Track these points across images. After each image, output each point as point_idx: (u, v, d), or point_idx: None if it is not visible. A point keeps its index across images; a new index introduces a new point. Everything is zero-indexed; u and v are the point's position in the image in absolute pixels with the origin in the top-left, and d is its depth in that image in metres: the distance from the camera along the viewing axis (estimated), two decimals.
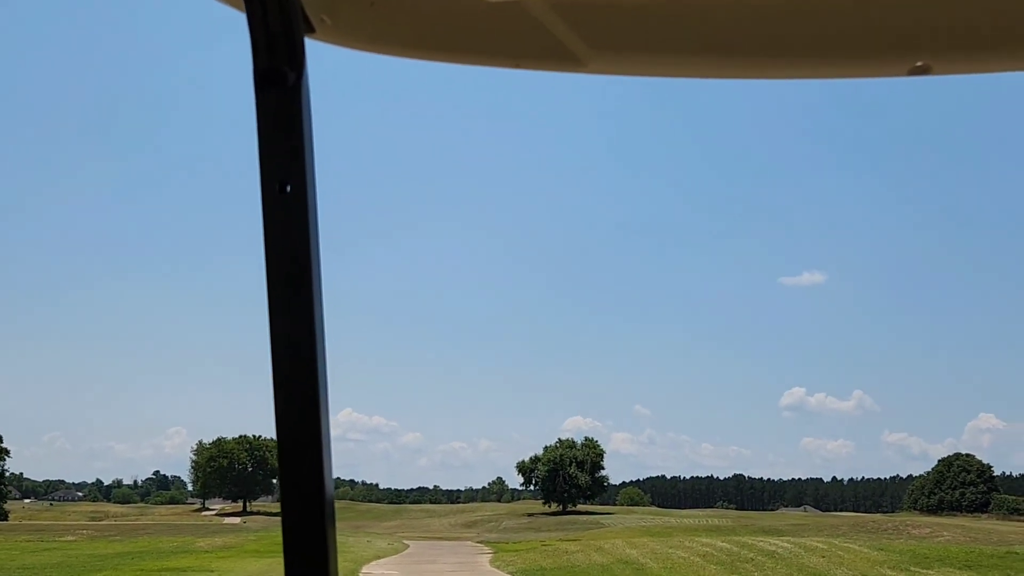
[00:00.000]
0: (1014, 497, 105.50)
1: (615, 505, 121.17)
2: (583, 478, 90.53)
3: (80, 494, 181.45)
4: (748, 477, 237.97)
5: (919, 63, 1.29)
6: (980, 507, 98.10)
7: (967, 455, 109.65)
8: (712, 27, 1.27)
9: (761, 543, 29.90)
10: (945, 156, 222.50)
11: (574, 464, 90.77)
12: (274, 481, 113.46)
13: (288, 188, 1.06)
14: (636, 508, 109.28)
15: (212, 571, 24.79)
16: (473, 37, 1.29)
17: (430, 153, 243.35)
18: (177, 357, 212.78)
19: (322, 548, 1.13)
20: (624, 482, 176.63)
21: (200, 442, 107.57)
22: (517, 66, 1.34)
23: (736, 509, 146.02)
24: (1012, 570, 23.08)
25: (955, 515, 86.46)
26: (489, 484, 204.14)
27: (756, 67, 1.39)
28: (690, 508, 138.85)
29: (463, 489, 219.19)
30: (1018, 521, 77.90)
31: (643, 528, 51.71)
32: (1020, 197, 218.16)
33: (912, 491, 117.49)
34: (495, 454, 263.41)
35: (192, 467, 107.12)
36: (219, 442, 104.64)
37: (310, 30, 1.16)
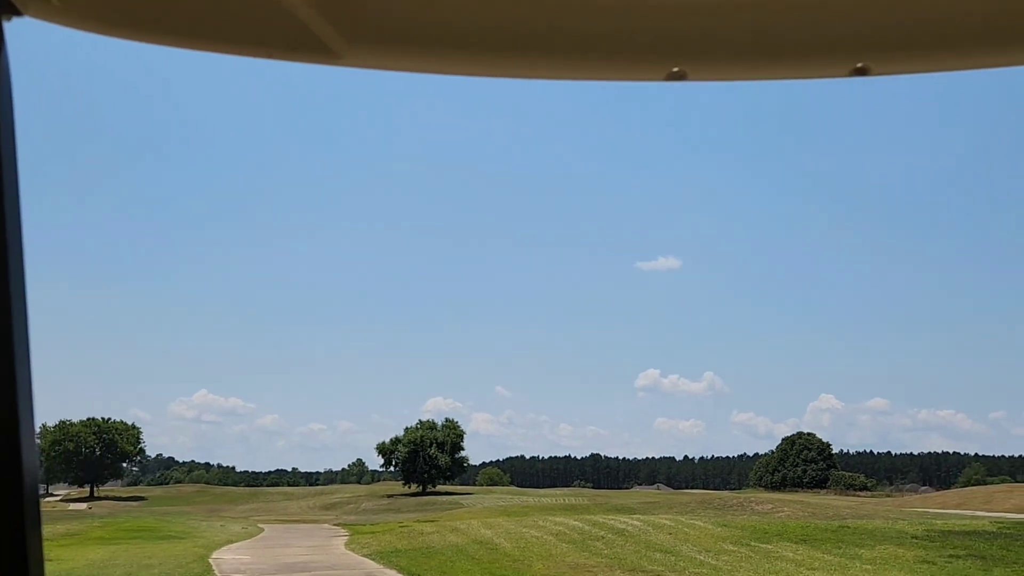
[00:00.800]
0: (851, 473, 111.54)
1: (475, 485, 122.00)
2: (443, 459, 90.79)
3: None
4: (604, 456, 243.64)
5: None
6: (820, 483, 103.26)
7: (808, 434, 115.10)
8: (497, 20, 1.21)
9: (612, 521, 30.69)
10: (800, 138, 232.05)
11: (434, 445, 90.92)
12: (124, 465, 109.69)
13: None
14: (495, 488, 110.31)
15: (51, 559, 23.73)
16: (218, 23, 1.18)
17: (273, 133, 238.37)
18: None
19: (22, 553, 1.01)
20: (484, 462, 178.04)
21: (44, 425, 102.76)
22: (269, 56, 1.25)
23: (593, 488, 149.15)
24: (843, 542, 24.43)
25: (796, 491, 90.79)
26: (349, 466, 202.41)
27: (552, 67, 1.34)
28: (548, 487, 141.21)
29: (322, 471, 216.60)
30: (853, 496, 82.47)
31: (500, 508, 52.29)
32: (873, 180, 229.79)
33: (757, 469, 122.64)
34: (355, 436, 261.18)
35: None
36: (63, 425, 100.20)
37: (13, 11, 1.07)
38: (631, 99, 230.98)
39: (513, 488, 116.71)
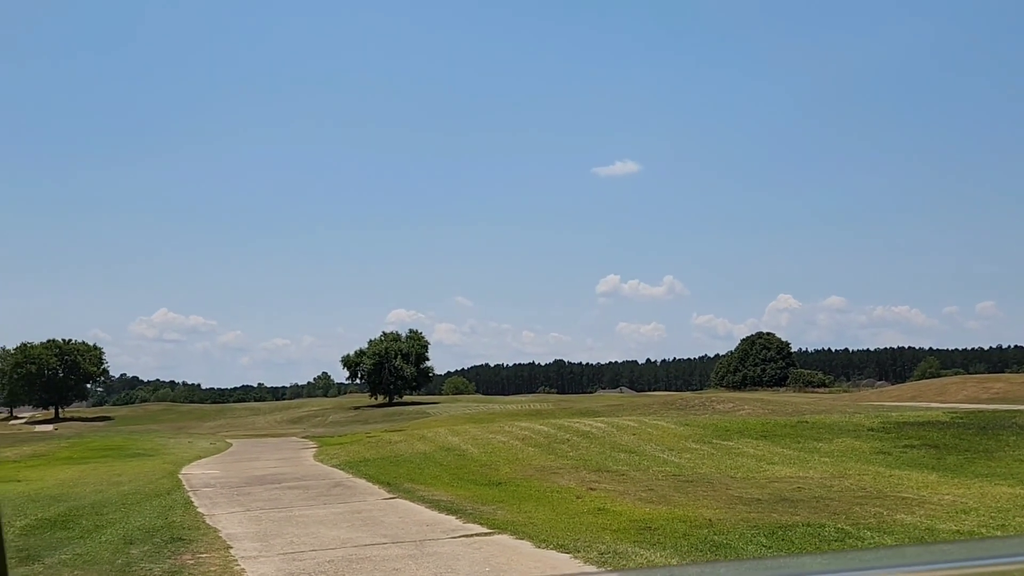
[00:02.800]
0: (809, 371, 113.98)
1: (441, 395, 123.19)
2: (408, 369, 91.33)
3: None
4: (568, 362, 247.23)
5: None
6: (779, 381, 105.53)
7: (768, 333, 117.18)
8: None
9: (577, 424, 31.16)
10: (758, 28, 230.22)
11: (399, 356, 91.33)
12: (88, 386, 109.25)
13: None
14: (461, 397, 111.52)
15: (20, 480, 23.75)
16: None
17: (237, 46, 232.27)
18: None
19: None
20: (449, 372, 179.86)
21: (3, 348, 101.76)
22: None
23: (557, 393, 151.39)
24: (801, 437, 25.05)
25: (757, 390, 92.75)
26: (315, 380, 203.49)
27: None
28: (514, 394, 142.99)
29: (288, 386, 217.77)
30: (812, 393, 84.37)
31: (467, 416, 52.93)
32: (829, 73, 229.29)
33: (718, 369, 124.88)
34: (320, 350, 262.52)
35: None
36: (24, 347, 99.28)
37: None
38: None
39: (479, 396, 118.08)
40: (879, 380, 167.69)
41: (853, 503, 14.32)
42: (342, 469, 23.77)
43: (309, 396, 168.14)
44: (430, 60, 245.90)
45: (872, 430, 25.65)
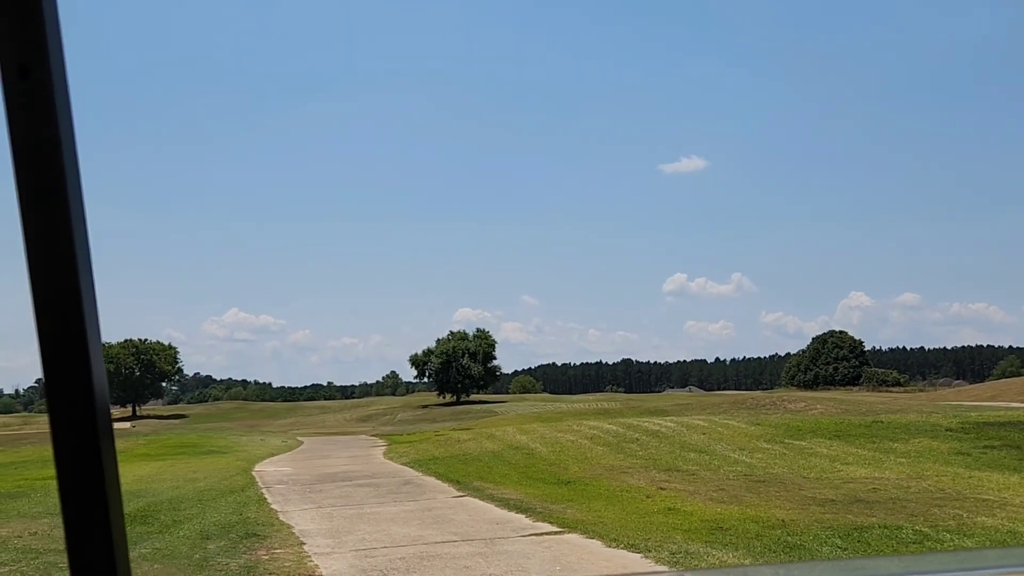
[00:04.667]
0: (883, 370, 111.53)
1: (508, 394, 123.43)
2: (476, 368, 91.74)
3: None
4: (636, 361, 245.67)
5: None
6: (852, 380, 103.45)
7: (840, 332, 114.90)
8: None
9: (646, 423, 30.96)
10: (824, 29, 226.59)
11: (466, 355, 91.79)
12: (163, 384, 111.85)
13: (30, 73, 0.96)
14: (528, 395, 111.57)
15: None
16: None
17: (288, 43, 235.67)
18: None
19: (96, 467, 1.02)
20: (516, 371, 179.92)
21: None
22: None
23: (625, 392, 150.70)
24: (876, 437, 24.53)
25: (829, 389, 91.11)
26: (383, 378, 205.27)
27: None
28: (581, 393, 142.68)
29: (357, 384, 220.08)
30: (886, 392, 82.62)
31: (534, 414, 52.97)
32: (901, 74, 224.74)
33: (789, 368, 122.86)
34: (387, 348, 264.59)
35: None
36: (103, 347, 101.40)
37: None
38: None
39: (546, 395, 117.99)
40: (956, 379, 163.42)
41: (931, 505, 13.99)
42: (411, 467, 23.95)
43: (378, 395, 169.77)
44: (497, 56, 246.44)
45: (950, 430, 25.01)
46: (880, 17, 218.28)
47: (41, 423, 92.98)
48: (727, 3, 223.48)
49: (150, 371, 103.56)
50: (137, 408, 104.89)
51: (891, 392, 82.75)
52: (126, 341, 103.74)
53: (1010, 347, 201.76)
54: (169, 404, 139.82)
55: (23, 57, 0.95)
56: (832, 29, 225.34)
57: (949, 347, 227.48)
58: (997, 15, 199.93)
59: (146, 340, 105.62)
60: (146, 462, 29.84)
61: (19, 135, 0.96)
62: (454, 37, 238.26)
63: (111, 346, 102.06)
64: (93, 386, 1.03)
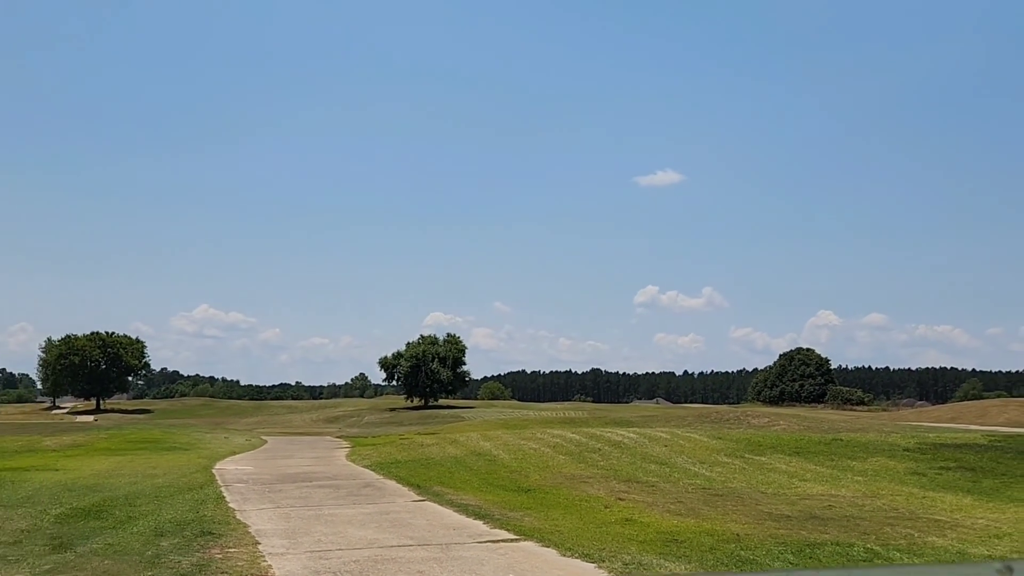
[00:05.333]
0: (848, 388, 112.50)
1: (477, 399, 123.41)
2: (445, 373, 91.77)
3: None
4: (605, 371, 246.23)
5: None
6: (817, 398, 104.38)
7: (807, 349, 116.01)
8: None
9: (610, 434, 31.08)
10: (803, 43, 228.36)
11: (436, 359, 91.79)
12: (129, 378, 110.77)
13: None
14: (496, 402, 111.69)
15: (58, 469, 24.14)
16: None
17: (285, 48, 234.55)
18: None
19: None
20: (486, 377, 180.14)
21: (49, 339, 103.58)
22: None
23: (593, 402, 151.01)
24: (835, 455, 24.78)
25: (794, 405, 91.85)
26: (352, 380, 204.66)
27: None
28: (549, 401, 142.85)
29: (326, 385, 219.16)
30: (850, 410, 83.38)
31: (500, 421, 53.01)
32: (872, 95, 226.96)
33: (755, 383, 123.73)
34: (357, 350, 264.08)
35: (40, 365, 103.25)
36: (69, 339, 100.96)
37: None
38: (628, 6, 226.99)
39: (514, 402, 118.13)
40: (919, 400, 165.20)
41: (884, 523, 14.16)
42: (373, 470, 23.91)
43: (346, 396, 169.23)
44: (472, 64, 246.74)
45: (908, 450, 25.32)
46: (860, 35, 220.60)
47: (2, 413, 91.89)
48: (708, 20, 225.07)
49: (116, 364, 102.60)
50: (101, 402, 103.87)
51: (855, 411, 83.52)
52: (93, 334, 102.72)
53: (973, 370, 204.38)
54: (134, 399, 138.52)
55: None
56: (807, 48, 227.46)
57: (914, 368, 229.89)
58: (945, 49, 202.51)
59: (113, 333, 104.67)
60: (106, 456, 29.57)
61: None
62: (433, 43, 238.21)
63: (77, 338, 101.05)
64: None
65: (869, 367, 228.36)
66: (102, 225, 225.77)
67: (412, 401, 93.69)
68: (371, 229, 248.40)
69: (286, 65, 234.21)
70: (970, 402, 78.70)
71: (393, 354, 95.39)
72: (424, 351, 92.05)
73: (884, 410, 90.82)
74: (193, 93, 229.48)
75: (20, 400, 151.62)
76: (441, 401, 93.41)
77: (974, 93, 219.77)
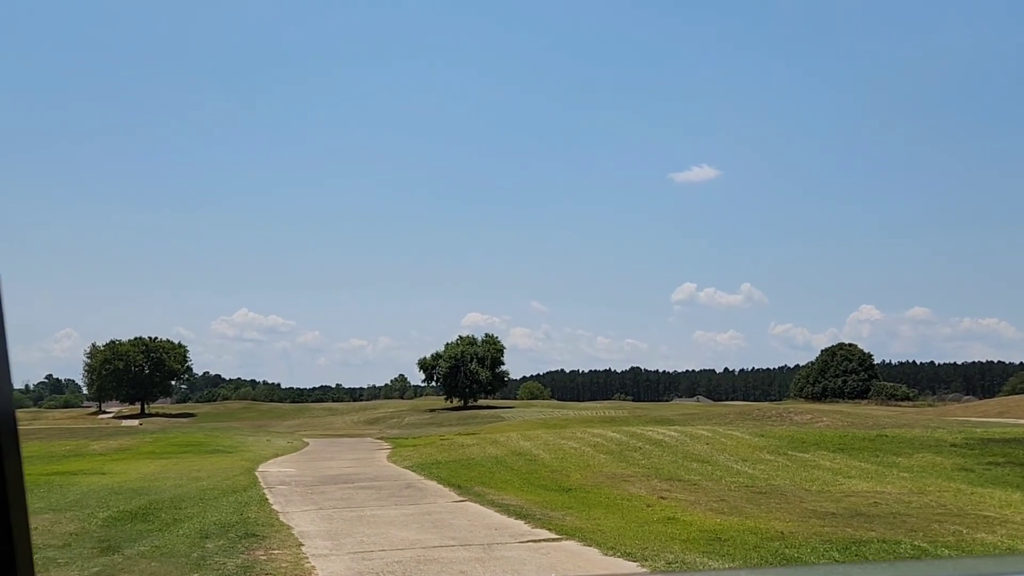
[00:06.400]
0: (892, 384, 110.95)
1: (516, 399, 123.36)
2: (484, 373, 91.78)
3: None
4: (644, 370, 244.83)
5: None
6: (861, 394, 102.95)
7: (850, 344, 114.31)
8: None
9: (650, 432, 30.94)
10: (841, 35, 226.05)
11: (475, 360, 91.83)
12: (172, 382, 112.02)
13: None
14: (536, 402, 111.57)
15: (105, 473, 24.49)
16: None
17: (302, 55, 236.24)
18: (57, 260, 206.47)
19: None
20: (524, 377, 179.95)
21: (94, 344, 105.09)
22: None
23: (633, 401, 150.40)
24: (880, 451, 24.47)
25: (837, 402, 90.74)
26: (392, 381, 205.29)
27: None
28: (589, 401, 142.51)
29: (366, 387, 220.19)
30: (894, 406, 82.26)
31: (540, 421, 52.95)
32: (913, 80, 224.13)
33: (797, 380, 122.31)
34: (396, 351, 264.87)
35: (86, 370, 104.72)
36: (113, 344, 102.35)
37: None
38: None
39: (553, 402, 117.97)
40: (966, 395, 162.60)
41: (931, 520, 13.95)
42: (414, 471, 23.99)
43: (386, 398, 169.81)
44: (505, 60, 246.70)
45: (955, 446, 24.94)
46: (899, 27, 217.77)
47: (50, 418, 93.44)
48: (743, 11, 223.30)
49: (159, 369, 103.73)
50: (146, 406, 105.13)
51: (899, 406, 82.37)
52: (136, 339, 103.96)
53: (1021, 363, 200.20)
54: (178, 403, 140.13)
55: None
56: (848, 40, 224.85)
57: (959, 362, 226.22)
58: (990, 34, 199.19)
59: (156, 338, 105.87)
60: (151, 460, 29.96)
61: None
62: (468, 40, 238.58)
63: (121, 344, 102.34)
64: None
65: (913, 362, 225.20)
66: (143, 232, 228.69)
67: (452, 402, 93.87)
68: (408, 231, 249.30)
69: (317, 65, 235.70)
70: (1018, 396, 77.19)
71: (432, 355, 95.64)
72: (463, 352, 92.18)
73: (930, 405, 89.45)
74: (231, 95, 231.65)
75: (67, 405, 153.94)
76: (480, 401, 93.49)
77: (1018, 81, 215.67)
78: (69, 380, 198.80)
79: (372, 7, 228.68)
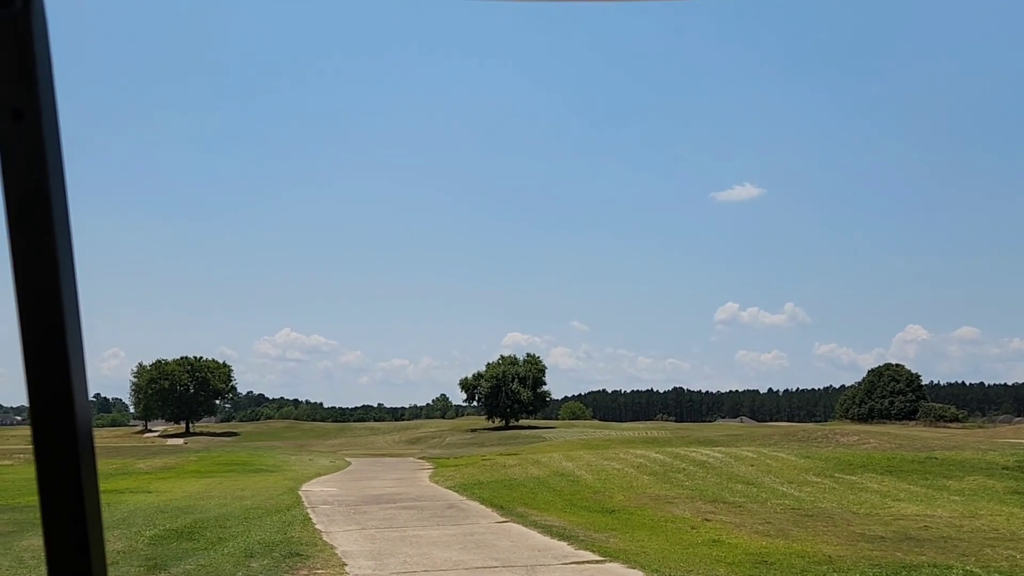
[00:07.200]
0: (940, 405, 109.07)
1: (557, 419, 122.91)
2: (525, 393, 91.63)
3: (19, 418, 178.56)
4: (687, 390, 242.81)
5: None
6: (908, 415, 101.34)
7: (896, 365, 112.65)
8: None
9: (694, 453, 30.65)
10: (884, 63, 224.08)
11: (516, 380, 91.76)
12: (217, 401, 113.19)
13: (23, 115, 1.01)
14: (577, 422, 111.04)
15: (151, 491, 24.75)
16: None
17: (340, 81, 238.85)
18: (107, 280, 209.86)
19: (76, 487, 1.05)
20: (566, 397, 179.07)
21: (140, 364, 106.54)
22: None
23: (675, 421, 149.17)
24: (930, 474, 24.01)
25: (884, 423, 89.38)
26: (433, 401, 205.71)
27: None
28: (631, 421, 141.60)
29: (407, 407, 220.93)
30: (943, 428, 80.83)
31: (582, 441, 52.68)
32: (959, 107, 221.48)
33: (843, 401, 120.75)
34: (437, 371, 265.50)
35: (132, 389, 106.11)
36: (159, 364, 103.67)
37: None
38: (702, 14, 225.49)
39: (595, 422, 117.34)
40: (1017, 416, 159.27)
41: (984, 544, 13.65)
42: (456, 491, 23.96)
43: (427, 417, 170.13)
44: (546, 80, 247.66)
45: (1007, 468, 24.39)
46: (944, 48, 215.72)
47: (97, 437, 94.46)
48: (786, 29, 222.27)
49: (204, 388, 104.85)
50: (191, 425, 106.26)
51: (948, 428, 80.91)
52: (182, 358, 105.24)
53: None
54: (222, 421, 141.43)
55: (17, 100, 1.00)
56: (895, 60, 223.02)
57: (1010, 383, 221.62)
58: None
59: (201, 358, 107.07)
60: (196, 479, 30.23)
61: (12, 177, 1.01)
62: (505, 61, 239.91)
63: (167, 363, 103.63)
64: (75, 407, 1.04)
65: (962, 382, 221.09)
66: (188, 253, 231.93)
67: (493, 422, 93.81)
68: (449, 250, 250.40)
69: (354, 94, 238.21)
70: None
71: (473, 375, 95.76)
72: (504, 372, 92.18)
73: (980, 427, 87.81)
74: (277, 119, 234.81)
75: (114, 424, 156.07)
76: (522, 422, 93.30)
77: None
78: (116, 399, 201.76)
79: (399, 37, 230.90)
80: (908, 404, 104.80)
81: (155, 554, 13.06)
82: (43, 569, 1.10)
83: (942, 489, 21.45)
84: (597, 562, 12.29)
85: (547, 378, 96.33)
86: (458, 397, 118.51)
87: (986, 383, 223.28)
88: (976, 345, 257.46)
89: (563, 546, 13.72)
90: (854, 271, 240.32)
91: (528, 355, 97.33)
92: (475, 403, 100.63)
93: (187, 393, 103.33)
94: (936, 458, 27.36)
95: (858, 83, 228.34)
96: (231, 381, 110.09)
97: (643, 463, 28.17)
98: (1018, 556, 12.64)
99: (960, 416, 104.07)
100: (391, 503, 20.90)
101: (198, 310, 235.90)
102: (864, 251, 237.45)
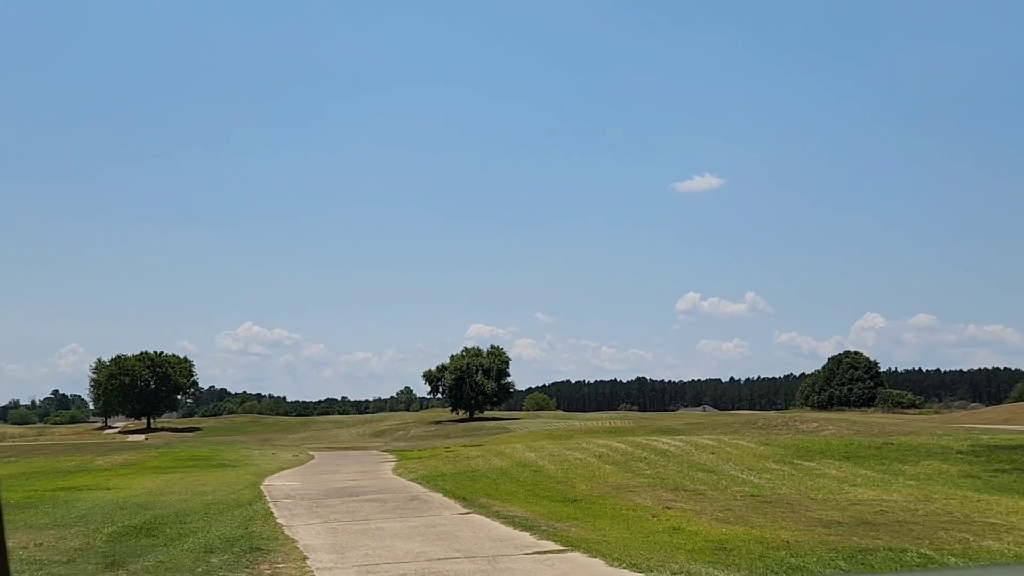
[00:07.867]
0: (898, 391, 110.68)
1: (522, 410, 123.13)
2: (489, 385, 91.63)
3: None
4: (650, 379, 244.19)
5: None
6: (867, 402, 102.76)
7: (855, 352, 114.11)
8: None
9: (656, 442, 30.88)
10: (844, 53, 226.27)
11: (480, 371, 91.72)
12: (178, 397, 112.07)
13: None
14: (542, 412, 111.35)
15: (110, 488, 24.49)
16: None
17: (315, 65, 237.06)
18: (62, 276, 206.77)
19: None
20: (530, 388, 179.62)
21: (99, 359, 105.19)
22: None
23: (639, 411, 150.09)
24: (886, 459, 24.40)
25: (843, 410, 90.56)
26: (397, 394, 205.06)
27: None
28: (595, 411, 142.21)
29: (371, 400, 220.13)
30: (901, 414, 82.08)
31: (546, 432, 52.81)
32: (919, 96, 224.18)
33: (803, 388, 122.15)
34: (401, 364, 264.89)
35: (92, 385, 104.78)
36: (119, 359, 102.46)
37: None
38: (662, 3, 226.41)
39: (559, 412, 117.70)
40: (972, 402, 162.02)
41: (938, 528, 13.90)
42: (419, 483, 23.96)
43: (392, 410, 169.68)
44: (506, 70, 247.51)
45: (961, 453, 24.86)
46: (903, 35, 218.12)
47: (56, 434, 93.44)
48: (745, 20, 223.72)
49: (165, 384, 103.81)
50: (152, 420, 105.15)
51: (906, 414, 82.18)
52: (142, 353, 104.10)
53: None
54: (183, 417, 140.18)
55: None
56: (852, 47, 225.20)
57: (965, 369, 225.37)
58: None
59: (162, 353, 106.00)
60: (156, 475, 29.95)
61: None
62: (464, 48, 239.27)
63: (127, 358, 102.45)
64: None
65: (919, 369, 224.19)
66: (147, 247, 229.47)
67: (457, 414, 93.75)
68: (411, 243, 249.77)
69: (318, 76, 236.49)
70: None
71: (437, 367, 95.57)
72: (468, 363, 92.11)
73: (936, 413, 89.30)
74: (229, 106, 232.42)
75: (73, 420, 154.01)
76: (486, 413, 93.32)
77: (1022, 88, 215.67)
78: (75, 395, 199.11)
79: (374, 31, 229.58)
80: (867, 391, 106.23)
81: (113, 551, 12.95)
82: None
83: (898, 474, 21.80)
84: (559, 552, 12.36)
85: (511, 369, 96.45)
86: (422, 389, 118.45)
87: (942, 369, 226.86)
88: (932, 332, 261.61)
89: (525, 536, 13.79)
90: (813, 260, 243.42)
91: (492, 347, 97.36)
92: (439, 395, 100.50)
93: (148, 388, 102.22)
94: (892, 444, 27.80)
95: (818, 74, 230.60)
96: (192, 376, 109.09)
97: (605, 452, 28.34)
98: (971, 538, 12.88)
99: (917, 402, 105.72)
100: (353, 496, 20.87)
101: (158, 304, 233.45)
102: (823, 241, 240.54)
